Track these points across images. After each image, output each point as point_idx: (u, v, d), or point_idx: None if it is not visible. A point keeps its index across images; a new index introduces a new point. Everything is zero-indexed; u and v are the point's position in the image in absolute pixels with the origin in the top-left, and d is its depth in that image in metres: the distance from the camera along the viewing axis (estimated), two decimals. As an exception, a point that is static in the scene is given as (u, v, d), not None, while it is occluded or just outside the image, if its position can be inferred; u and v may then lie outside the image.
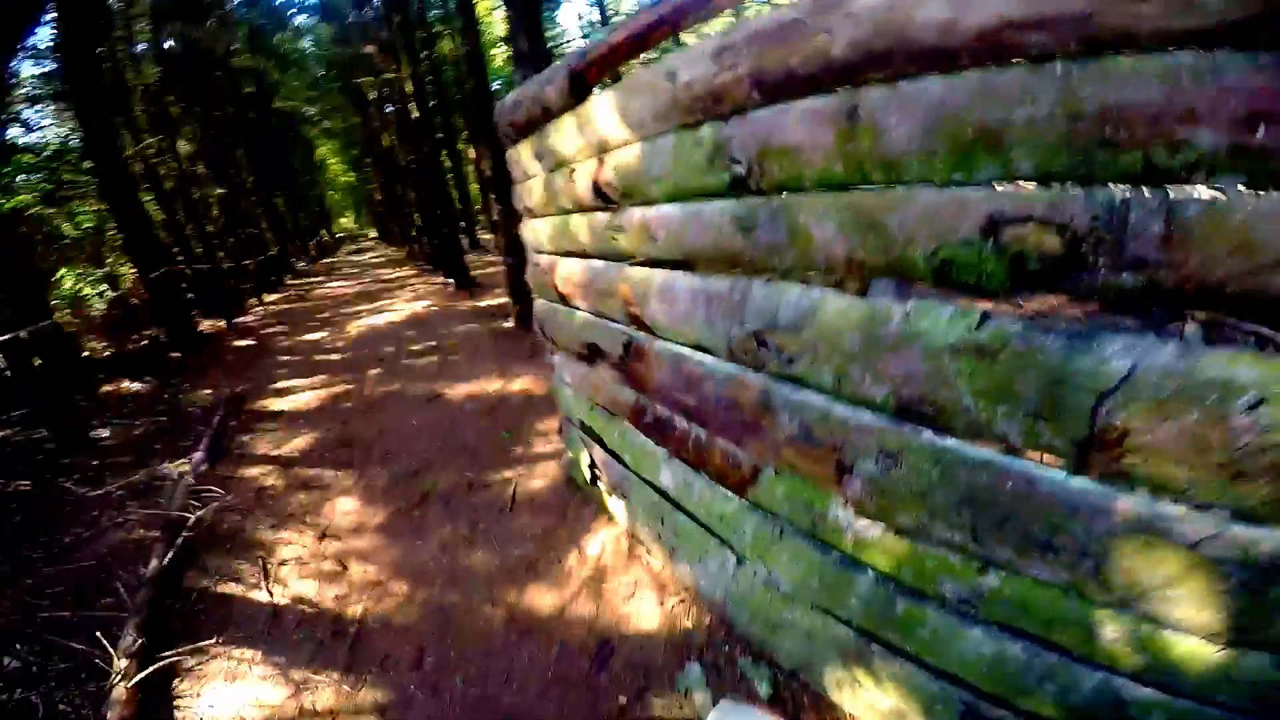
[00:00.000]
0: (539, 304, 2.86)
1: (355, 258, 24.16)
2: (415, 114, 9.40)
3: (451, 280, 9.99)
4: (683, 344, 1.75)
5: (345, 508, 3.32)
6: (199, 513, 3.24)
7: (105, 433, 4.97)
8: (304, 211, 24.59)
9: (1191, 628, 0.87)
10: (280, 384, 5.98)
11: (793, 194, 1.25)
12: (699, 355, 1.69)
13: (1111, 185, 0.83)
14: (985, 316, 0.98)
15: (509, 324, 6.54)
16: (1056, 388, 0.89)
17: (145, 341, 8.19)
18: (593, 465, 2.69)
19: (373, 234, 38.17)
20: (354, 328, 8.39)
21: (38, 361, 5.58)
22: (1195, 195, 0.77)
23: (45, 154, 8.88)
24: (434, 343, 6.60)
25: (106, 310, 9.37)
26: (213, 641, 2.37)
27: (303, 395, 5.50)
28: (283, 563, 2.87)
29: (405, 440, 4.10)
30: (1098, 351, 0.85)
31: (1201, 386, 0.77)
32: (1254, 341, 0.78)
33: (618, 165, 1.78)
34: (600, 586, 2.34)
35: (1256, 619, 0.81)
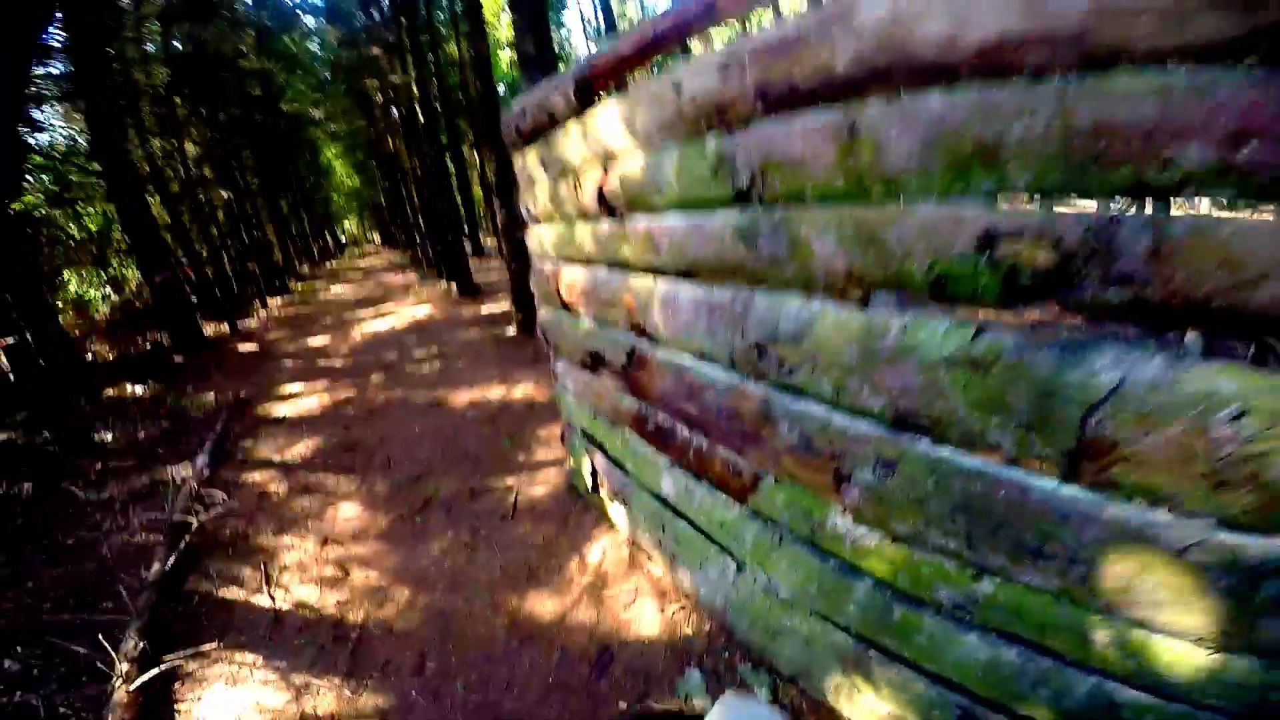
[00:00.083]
0: (543, 312, 2.89)
1: (359, 262, 24.26)
2: (421, 118, 9.46)
3: (455, 285, 10.04)
4: (685, 353, 1.78)
5: (347, 513, 3.33)
6: (201, 517, 3.25)
7: (108, 436, 4.98)
8: (308, 215, 24.67)
9: (1181, 632, 0.89)
10: (283, 389, 6.00)
11: (794, 207, 1.28)
12: (701, 365, 1.71)
13: (1103, 200, 0.86)
14: (980, 330, 1.01)
15: (512, 330, 6.57)
16: (1047, 399, 0.92)
17: (148, 345, 8.23)
18: (594, 472, 2.70)
19: (376, 238, 38.31)
20: (357, 333, 8.42)
21: (40, 364, 5.61)
22: (1183, 211, 0.79)
23: (53, 154, 8.93)
24: (437, 349, 6.63)
25: (110, 313, 9.41)
26: (214, 645, 2.38)
27: (305, 400, 5.52)
28: (285, 568, 2.88)
29: (407, 446, 4.12)
30: (1088, 364, 0.88)
31: (1186, 399, 0.80)
32: (1243, 355, 0.81)
33: (623, 174, 1.81)
34: (601, 593, 2.36)
35: (1242, 624, 0.83)
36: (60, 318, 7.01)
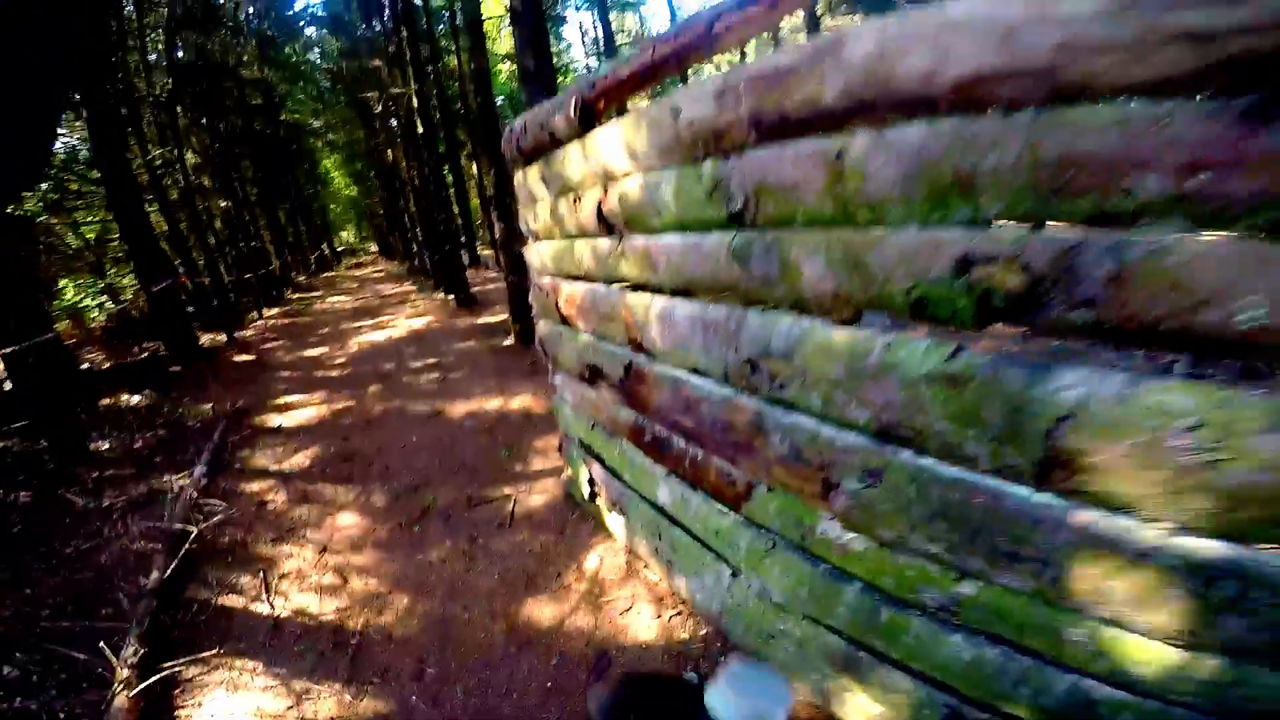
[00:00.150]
0: (542, 325, 2.95)
1: (356, 272, 24.27)
2: (420, 129, 9.55)
3: (452, 296, 10.08)
4: (681, 368, 1.84)
5: (346, 522, 3.36)
6: (200, 526, 3.27)
7: (105, 445, 4.99)
8: (306, 224, 24.69)
9: (1150, 631, 0.95)
10: (281, 399, 6.02)
11: (785, 230, 1.35)
12: (696, 379, 1.78)
13: (1068, 228, 0.93)
14: (958, 349, 1.08)
15: (509, 341, 6.62)
16: (1018, 414, 0.98)
17: (145, 354, 8.23)
18: (592, 482, 2.75)
19: (373, 248, 38.33)
20: (354, 343, 8.45)
21: (36, 371, 5.61)
22: (1139, 238, 0.86)
23: (52, 162, 8.98)
24: (434, 359, 6.67)
25: (106, 322, 9.41)
26: (214, 652, 2.40)
27: (303, 410, 5.54)
28: (284, 576, 2.91)
29: (405, 456, 4.15)
30: (1054, 381, 0.94)
31: (1145, 413, 0.86)
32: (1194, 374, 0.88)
33: (622, 194, 1.88)
34: (598, 600, 2.40)
35: (1204, 623, 0.89)
36: (56, 326, 7.01)
